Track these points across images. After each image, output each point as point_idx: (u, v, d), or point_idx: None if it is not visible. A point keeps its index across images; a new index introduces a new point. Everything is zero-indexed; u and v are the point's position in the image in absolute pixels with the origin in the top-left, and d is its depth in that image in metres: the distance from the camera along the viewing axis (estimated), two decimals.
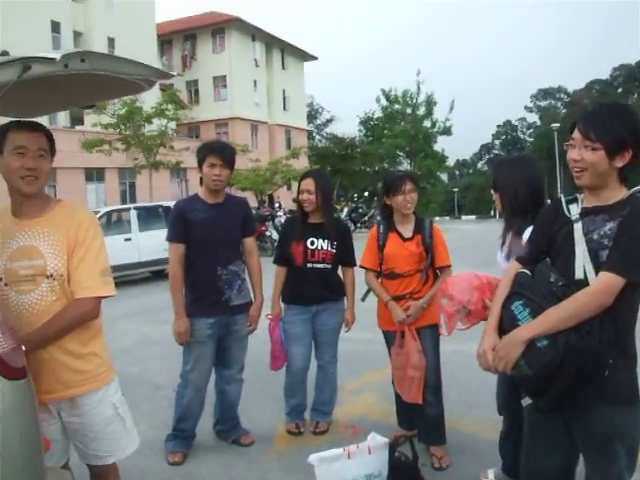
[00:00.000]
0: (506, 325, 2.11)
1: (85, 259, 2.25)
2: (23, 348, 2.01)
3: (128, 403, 2.54)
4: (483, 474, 3.34)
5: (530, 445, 2.29)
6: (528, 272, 2.16)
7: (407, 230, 3.72)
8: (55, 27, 27.75)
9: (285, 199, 27.44)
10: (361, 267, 3.87)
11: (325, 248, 3.93)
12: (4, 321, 1.75)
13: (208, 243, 3.68)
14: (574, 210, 2.13)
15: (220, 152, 3.67)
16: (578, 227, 2.07)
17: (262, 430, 4.18)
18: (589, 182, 2.05)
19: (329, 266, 3.98)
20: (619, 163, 1.99)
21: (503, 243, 2.81)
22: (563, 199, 2.21)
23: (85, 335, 2.33)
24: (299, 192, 3.96)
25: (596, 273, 1.98)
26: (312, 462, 2.88)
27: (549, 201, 2.84)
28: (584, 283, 1.99)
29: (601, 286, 1.94)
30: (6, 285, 2.22)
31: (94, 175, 27.48)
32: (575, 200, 2.17)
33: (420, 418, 3.71)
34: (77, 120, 28.21)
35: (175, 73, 2.24)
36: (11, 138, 2.19)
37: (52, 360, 2.24)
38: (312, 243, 3.93)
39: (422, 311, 3.60)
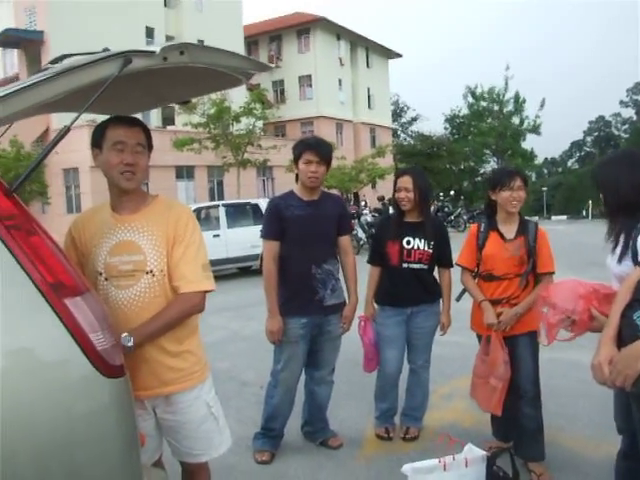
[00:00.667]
0: (625, 336, 1.90)
1: (186, 254, 2.23)
2: (130, 343, 2.04)
3: (219, 398, 2.52)
4: None
5: None
6: None
7: (510, 231, 3.52)
8: (149, 32, 28.95)
9: (370, 197, 27.32)
10: (457, 265, 3.72)
11: (422, 248, 3.79)
12: (104, 317, 1.74)
13: (303, 241, 3.61)
14: None
15: (317, 148, 3.59)
16: None
17: (350, 433, 4.10)
18: None
19: (425, 266, 3.83)
20: None
21: (615, 246, 2.58)
22: None
23: (182, 333, 2.31)
24: (396, 190, 3.83)
25: None
26: (406, 472, 2.75)
27: None
28: None
29: None
30: (106, 280, 2.23)
31: (184, 173, 28.33)
32: None
33: (517, 431, 3.52)
34: (169, 120, 29.24)
35: (273, 65, 2.17)
36: (110, 134, 2.19)
37: (149, 357, 2.24)
38: (408, 242, 3.79)
39: (516, 319, 3.40)
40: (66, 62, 1.94)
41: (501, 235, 3.51)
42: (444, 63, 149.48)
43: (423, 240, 3.79)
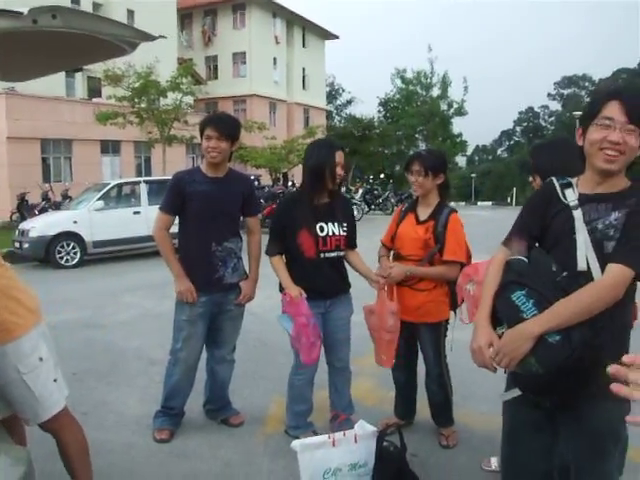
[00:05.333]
0: (507, 317, 1.93)
1: None
2: None
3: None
4: (485, 463, 3.31)
5: (510, 445, 2.17)
6: (524, 259, 2.01)
7: (424, 213, 3.54)
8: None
9: (299, 178, 27.31)
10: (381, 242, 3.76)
11: (337, 233, 3.49)
12: None
13: (203, 217, 3.56)
14: (570, 196, 1.99)
15: (217, 124, 3.52)
16: (578, 215, 1.93)
17: (253, 411, 4.11)
18: (619, 167, 1.89)
19: (342, 253, 3.57)
20: None
21: None
22: (556, 183, 2.06)
23: None
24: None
25: (600, 264, 1.85)
26: (295, 448, 2.78)
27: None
28: (587, 274, 1.86)
29: (614, 279, 1.81)
30: None
31: (110, 147, 27.39)
32: (570, 185, 2.02)
33: (429, 403, 3.71)
34: (95, 92, 28.13)
35: (157, 35, 2.07)
36: None
37: None
38: (322, 229, 3.45)
39: (404, 275, 3.39)
40: None
41: (417, 216, 3.55)
42: (383, 50, 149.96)
43: (336, 224, 3.51)
